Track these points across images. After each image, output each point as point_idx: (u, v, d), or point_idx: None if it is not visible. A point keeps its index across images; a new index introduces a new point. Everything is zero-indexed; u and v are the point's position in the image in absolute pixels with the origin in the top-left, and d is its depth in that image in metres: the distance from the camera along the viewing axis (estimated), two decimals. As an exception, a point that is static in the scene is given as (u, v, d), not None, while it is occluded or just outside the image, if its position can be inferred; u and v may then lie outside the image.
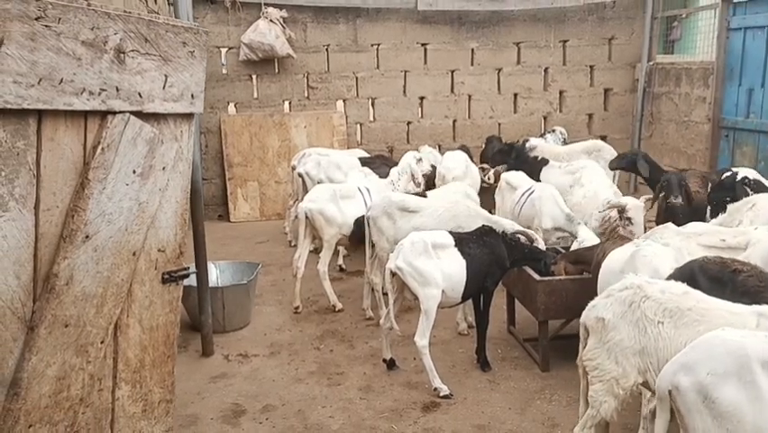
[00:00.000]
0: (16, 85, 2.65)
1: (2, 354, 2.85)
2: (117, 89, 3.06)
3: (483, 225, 5.59)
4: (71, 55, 2.84)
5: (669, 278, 3.80)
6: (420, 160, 7.98)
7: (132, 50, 3.11)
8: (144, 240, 3.36)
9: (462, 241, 5.31)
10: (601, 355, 3.48)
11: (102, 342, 3.22)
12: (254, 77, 11.14)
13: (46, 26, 2.73)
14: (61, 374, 3.06)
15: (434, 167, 8.56)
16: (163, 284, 3.53)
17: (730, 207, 5.35)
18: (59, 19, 2.77)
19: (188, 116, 3.52)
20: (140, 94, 3.18)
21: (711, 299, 3.35)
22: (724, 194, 6.34)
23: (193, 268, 4.09)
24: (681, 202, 6.52)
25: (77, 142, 2.99)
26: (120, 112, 3.09)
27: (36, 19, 2.69)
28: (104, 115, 3.05)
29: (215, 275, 6.90)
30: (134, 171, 3.21)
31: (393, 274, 5.17)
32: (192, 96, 3.47)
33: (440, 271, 5.08)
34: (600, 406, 3.49)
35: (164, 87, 3.30)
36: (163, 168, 3.37)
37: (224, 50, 11.01)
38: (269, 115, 11.10)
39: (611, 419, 3.57)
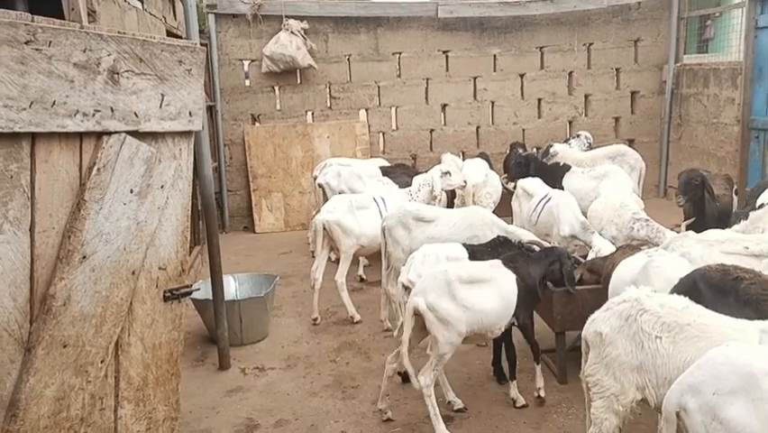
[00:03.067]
0: (7, 109, 2.67)
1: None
2: (112, 110, 3.08)
3: (498, 236, 5.50)
4: (63, 77, 2.86)
5: (673, 290, 3.67)
6: (448, 173, 7.60)
7: (127, 71, 3.12)
8: (144, 259, 3.36)
9: (476, 253, 5.23)
10: (600, 371, 3.37)
11: (102, 361, 3.23)
12: (277, 88, 11.21)
13: (36, 50, 2.75)
14: (60, 395, 3.07)
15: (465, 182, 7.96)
16: (165, 302, 3.53)
17: (752, 214, 5.18)
18: (50, 42, 2.79)
19: (187, 134, 3.52)
20: (136, 114, 3.19)
21: (713, 314, 3.21)
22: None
23: (197, 285, 4.08)
24: (681, 204, 6.40)
25: (72, 163, 3.01)
26: (116, 132, 3.11)
27: (26, 43, 2.71)
28: (99, 135, 3.06)
29: (234, 288, 6.93)
30: (132, 191, 3.22)
31: (405, 288, 5.11)
32: (190, 113, 3.47)
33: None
34: (602, 424, 3.37)
35: (161, 106, 3.31)
36: (161, 186, 3.38)
37: (246, 63, 11.10)
38: (292, 126, 11.14)
39: None
